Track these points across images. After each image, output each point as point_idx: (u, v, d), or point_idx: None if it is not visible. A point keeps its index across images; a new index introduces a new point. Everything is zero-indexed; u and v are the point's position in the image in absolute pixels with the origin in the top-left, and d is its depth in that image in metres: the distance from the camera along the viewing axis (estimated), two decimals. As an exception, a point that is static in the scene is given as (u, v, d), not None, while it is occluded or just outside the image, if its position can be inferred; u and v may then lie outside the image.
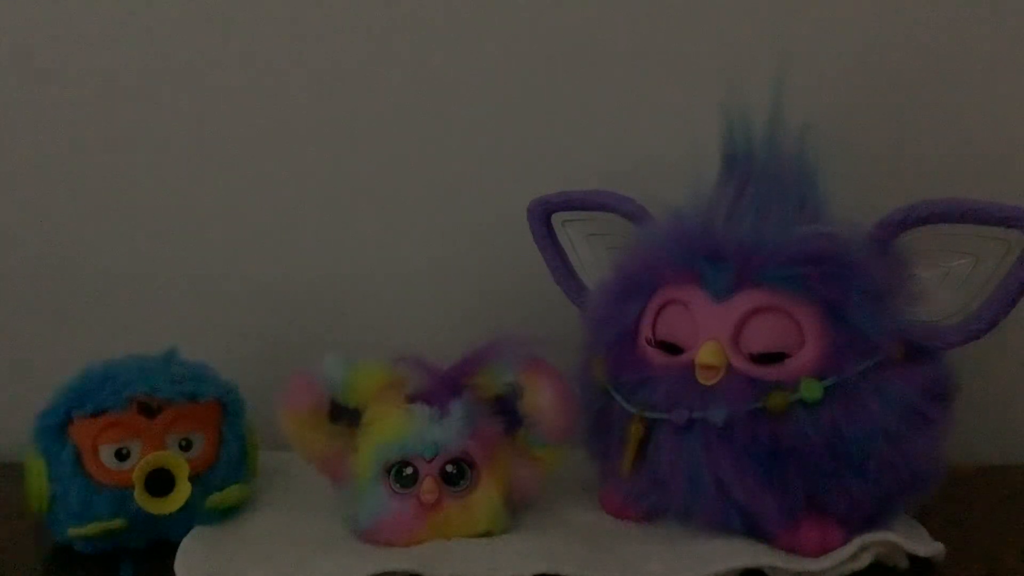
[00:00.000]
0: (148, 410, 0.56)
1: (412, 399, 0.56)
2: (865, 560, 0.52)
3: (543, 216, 0.65)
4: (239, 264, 0.76)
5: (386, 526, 0.55)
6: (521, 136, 0.74)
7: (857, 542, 0.51)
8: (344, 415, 0.57)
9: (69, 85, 0.73)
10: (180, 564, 0.52)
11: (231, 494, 0.58)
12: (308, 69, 0.73)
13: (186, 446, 0.57)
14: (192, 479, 0.56)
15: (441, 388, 0.56)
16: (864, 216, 0.54)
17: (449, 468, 0.55)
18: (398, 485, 0.55)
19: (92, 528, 0.54)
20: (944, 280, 0.53)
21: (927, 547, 0.52)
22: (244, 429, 0.61)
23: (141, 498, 0.54)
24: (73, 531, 0.55)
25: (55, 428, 0.56)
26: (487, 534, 0.56)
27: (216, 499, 0.57)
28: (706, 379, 0.52)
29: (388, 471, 0.55)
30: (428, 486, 0.55)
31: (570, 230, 0.65)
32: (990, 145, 0.71)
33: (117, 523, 0.54)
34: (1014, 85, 0.71)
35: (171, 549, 0.54)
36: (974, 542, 0.56)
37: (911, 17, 0.71)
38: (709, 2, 0.71)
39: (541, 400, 0.56)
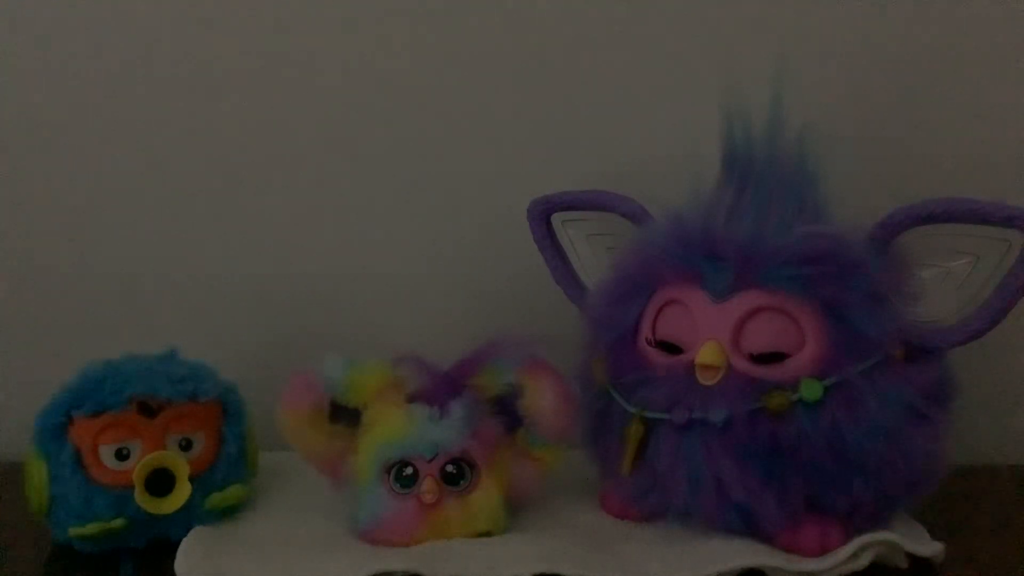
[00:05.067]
0: (148, 410, 0.56)
1: (412, 399, 0.56)
2: (865, 560, 0.52)
3: (543, 216, 0.65)
4: (239, 264, 0.76)
5: (386, 526, 0.55)
6: (521, 136, 0.74)
7: (857, 542, 0.51)
8: (344, 415, 0.57)
9: (69, 85, 0.73)
10: (180, 564, 0.52)
11: (231, 494, 0.58)
12: (308, 69, 0.73)
13: (186, 446, 0.57)
14: (192, 479, 0.56)
15: (441, 388, 0.56)
16: (864, 216, 0.54)
17: (449, 468, 0.55)
18: (398, 485, 0.55)
19: (92, 528, 0.54)
20: (944, 280, 0.53)
21: (927, 547, 0.52)
22: (244, 429, 0.61)
23: (141, 498, 0.54)
24: (73, 531, 0.55)
25: (55, 428, 0.56)
26: (487, 534, 0.56)
27: (216, 499, 0.57)
28: (706, 379, 0.52)
29: (388, 471, 0.56)
30: (428, 486, 0.55)
31: (570, 230, 0.65)
32: (990, 145, 0.71)
33: (117, 523, 0.54)
34: (1014, 85, 0.71)
35: (171, 549, 0.54)
36: (974, 542, 0.56)
37: (911, 17, 0.71)
38: (709, 2, 0.72)
39: (541, 400, 0.56)
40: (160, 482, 0.55)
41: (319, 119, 0.74)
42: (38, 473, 0.56)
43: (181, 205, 0.75)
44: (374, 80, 0.73)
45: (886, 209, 0.53)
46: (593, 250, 0.65)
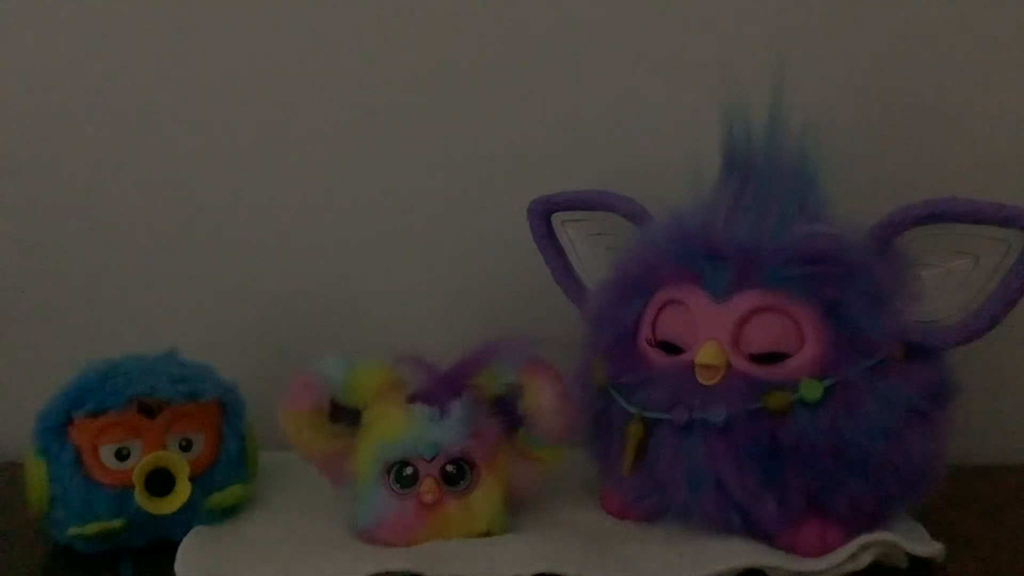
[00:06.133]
0: (148, 410, 0.56)
1: (412, 399, 0.56)
2: (865, 560, 0.52)
3: (543, 216, 0.65)
4: (239, 264, 0.76)
5: (386, 526, 0.55)
6: (521, 136, 0.74)
7: (857, 542, 0.51)
8: (344, 415, 0.57)
9: (69, 85, 0.73)
10: (180, 564, 0.52)
11: (231, 494, 0.58)
12: (308, 69, 0.73)
13: (186, 446, 0.57)
14: (192, 479, 0.56)
15: (441, 388, 0.56)
16: (864, 216, 0.54)
17: (449, 468, 0.55)
18: (398, 485, 0.55)
19: (92, 528, 0.54)
20: (944, 280, 0.53)
21: (927, 547, 0.52)
22: (244, 429, 0.61)
23: (141, 498, 0.54)
24: (73, 531, 0.55)
25: (55, 428, 0.56)
26: (487, 534, 0.56)
27: (216, 499, 0.57)
28: (706, 379, 0.52)
29: (388, 471, 0.56)
30: (428, 486, 0.55)
31: (570, 230, 0.65)
32: (990, 145, 0.71)
33: (117, 523, 0.54)
34: (1015, 85, 0.71)
35: (171, 549, 0.53)
36: (974, 542, 0.56)
37: (911, 17, 0.71)
38: (709, 2, 0.72)
39: (541, 400, 0.56)
40: (160, 482, 0.55)
41: (320, 119, 0.74)
42: (38, 473, 0.56)
43: (181, 205, 0.75)
44: (374, 80, 0.73)
45: (886, 209, 0.53)
46: (593, 250, 0.65)
